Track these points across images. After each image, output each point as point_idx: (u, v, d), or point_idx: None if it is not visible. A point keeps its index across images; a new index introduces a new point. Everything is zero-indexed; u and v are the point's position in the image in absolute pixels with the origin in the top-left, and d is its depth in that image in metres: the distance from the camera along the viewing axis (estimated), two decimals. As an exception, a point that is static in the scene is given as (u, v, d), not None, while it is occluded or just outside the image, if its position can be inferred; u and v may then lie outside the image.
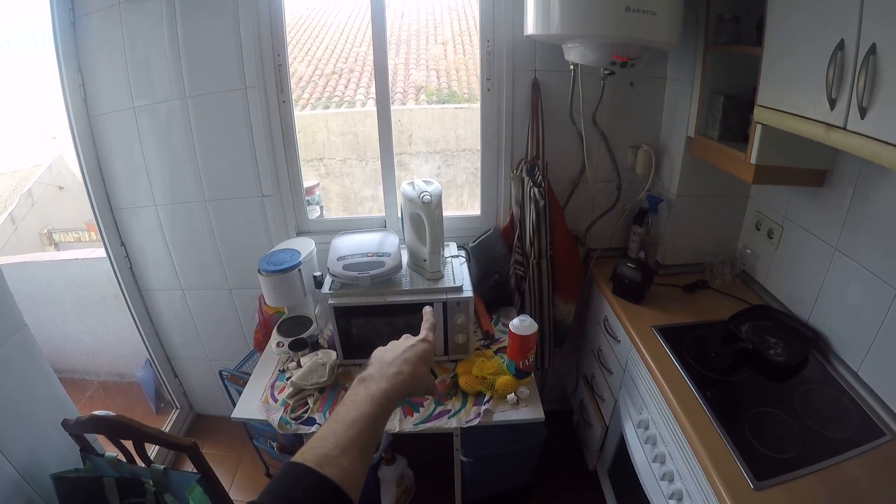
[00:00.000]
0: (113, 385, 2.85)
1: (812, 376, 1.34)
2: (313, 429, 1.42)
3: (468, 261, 1.76)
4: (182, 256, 2.05)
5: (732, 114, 1.44)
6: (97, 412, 1.38)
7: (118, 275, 2.08)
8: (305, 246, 1.78)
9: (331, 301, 1.52)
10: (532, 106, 1.72)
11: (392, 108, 1.85)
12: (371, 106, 2.85)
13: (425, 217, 1.50)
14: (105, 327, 2.76)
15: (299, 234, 1.96)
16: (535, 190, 1.67)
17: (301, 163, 1.90)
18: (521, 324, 1.46)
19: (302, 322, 1.75)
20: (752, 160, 1.27)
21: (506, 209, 1.90)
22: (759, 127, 1.23)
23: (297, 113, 1.86)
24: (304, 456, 0.51)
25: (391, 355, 0.68)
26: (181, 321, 2.22)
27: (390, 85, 1.81)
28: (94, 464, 1.43)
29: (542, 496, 2.03)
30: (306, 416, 1.45)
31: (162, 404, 2.53)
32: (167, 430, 2.21)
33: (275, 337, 1.69)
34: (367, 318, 1.56)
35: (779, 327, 1.48)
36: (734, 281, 1.77)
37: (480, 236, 1.89)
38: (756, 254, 1.72)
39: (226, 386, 2.00)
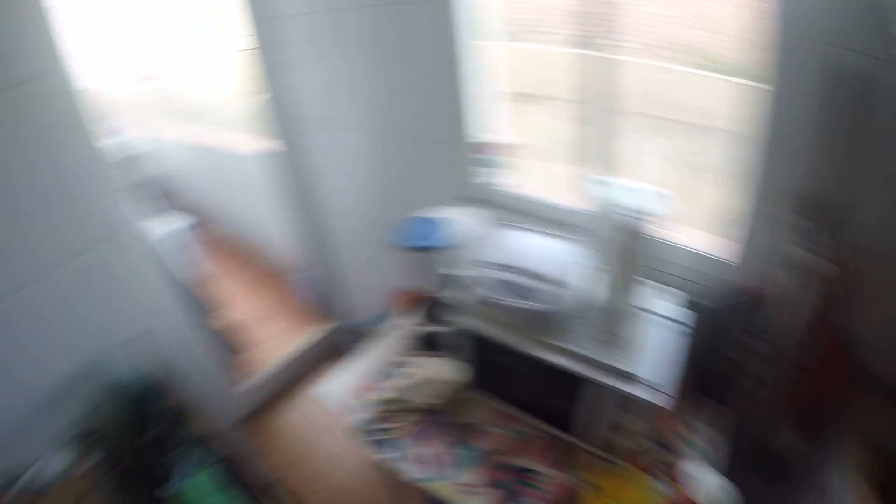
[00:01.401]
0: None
1: None
2: (388, 455, 1.17)
3: (687, 332, 1.13)
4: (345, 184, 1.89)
5: None
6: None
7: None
8: (464, 218, 1.36)
9: (467, 321, 1.16)
10: (848, 111, 0.92)
11: (629, 60, 1.25)
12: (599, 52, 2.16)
13: (618, 243, 0.97)
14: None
15: (460, 200, 1.54)
16: (815, 256, 0.95)
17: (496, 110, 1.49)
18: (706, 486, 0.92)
19: (437, 305, 1.41)
20: None
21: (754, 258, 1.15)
22: None
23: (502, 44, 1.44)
24: None
25: None
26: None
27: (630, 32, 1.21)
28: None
29: None
30: (386, 436, 1.20)
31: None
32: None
33: (409, 318, 1.41)
34: (508, 357, 1.15)
35: None
36: None
37: (724, 298, 1.17)
38: None
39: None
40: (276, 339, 2.58)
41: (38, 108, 1.26)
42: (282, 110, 1.93)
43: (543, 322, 1.07)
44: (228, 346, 2.36)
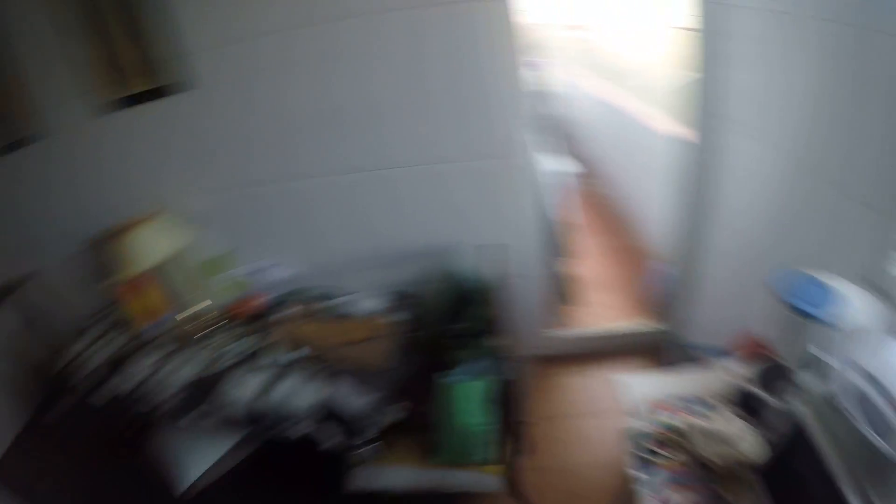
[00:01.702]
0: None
1: None
2: (642, 477, 1.18)
3: None
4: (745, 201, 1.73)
5: None
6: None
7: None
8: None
9: (799, 408, 1.02)
10: None
11: None
12: None
13: None
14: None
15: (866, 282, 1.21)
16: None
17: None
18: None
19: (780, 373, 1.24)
20: None
21: None
22: None
23: None
24: None
25: None
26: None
27: None
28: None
29: None
30: (652, 459, 1.19)
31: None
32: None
33: (744, 367, 1.31)
34: (816, 475, 0.96)
35: None
36: None
37: None
38: None
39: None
40: (605, 310, 2.68)
41: (478, 24, 1.52)
42: (706, 101, 1.86)
43: (880, 467, 0.88)
44: (561, 292, 2.58)
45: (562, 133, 3.53)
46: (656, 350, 2.40)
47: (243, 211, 1.93)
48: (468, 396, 1.55)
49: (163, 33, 1.65)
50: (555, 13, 3.83)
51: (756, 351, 1.37)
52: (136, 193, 2.00)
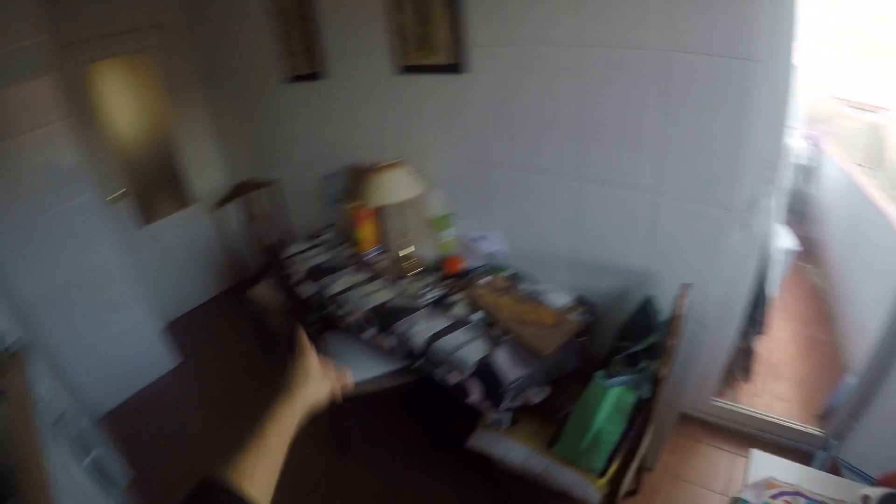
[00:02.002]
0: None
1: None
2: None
3: None
4: None
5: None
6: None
7: None
8: None
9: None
10: None
11: None
12: None
13: None
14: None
15: None
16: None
17: None
18: None
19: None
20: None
21: None
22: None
23: None
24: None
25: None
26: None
27: None
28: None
29: None
30: None
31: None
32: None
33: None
34: None
35: None
36: None
37: None
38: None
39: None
40: (773, 399, 2.56)
41: (750, 82, 1.48)
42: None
43: None
44: (741, 364, 2.52)
45: (799, 208, 3.31)
46: (806, 454, 2.25)
47: (474, 184, 2.22)
48: (616, 403, 1.63)
49: (450, 21, 1.97)
50: (851, 91, 3.48)
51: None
52: (389, 142, 2.43)
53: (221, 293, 4.44)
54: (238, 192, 3.06)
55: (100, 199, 2.87)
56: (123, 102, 3.49)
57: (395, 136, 2.43)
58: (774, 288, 2.37)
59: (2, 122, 2.41)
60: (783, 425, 2.36)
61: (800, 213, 3.45)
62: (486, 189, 2.18)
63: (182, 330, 3.92)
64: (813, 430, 2.30)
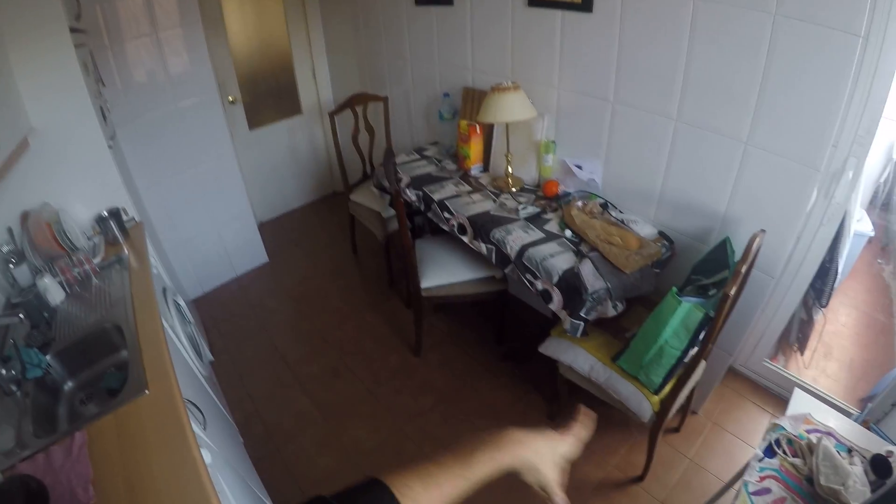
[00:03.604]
0: None
1: None
2: (760, 457, 1.39)
3: None
4: None
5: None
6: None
7: None
8: None
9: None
10: None
11: None
12: None
13: None
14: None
15: None
16: None
17: None
18: None
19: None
20: None
21: None
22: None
23: None
24: None
25: None
26: None
27: None
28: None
29: None
30: (777, 450, 1.39)
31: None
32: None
33: None
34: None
35: None
36: None
37: None
38: None
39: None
40: (821, 375, 2.71)
41: (855, 56, 1.57)
42: None
43: None
44: (798, 333, 2.68)
45: (885, 200, 3.35)
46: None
47: (581, 116, 2.40)
48: (685, 319, 1.79)
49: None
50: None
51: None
52: (508, 69, 2.64)
53: (315, 201, 4.82)
54: (352, 102, 3.32)
55: (218, 99, 3.18)
56: (246, 13, 3.79)
57: (514, 63, 2.62)
58: (844, 266, 2.49)
59: (139, 18, 2.72)
60: (826, 400, 2.50)
61: (885, 206, 3.49)
62: (591, 121, 2.35)
63: (274, 232, 4.30)
64: (853, 410, 2.43)
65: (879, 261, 3.47)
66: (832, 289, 2.54)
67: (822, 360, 2.79)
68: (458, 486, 0.64)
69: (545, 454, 0.72)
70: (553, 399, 2.50)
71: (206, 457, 1.29)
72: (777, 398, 2.59)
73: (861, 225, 2.70)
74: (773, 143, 1.85)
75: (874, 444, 1.43)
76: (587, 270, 2.00)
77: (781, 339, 2.60)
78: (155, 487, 1.17)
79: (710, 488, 2.14)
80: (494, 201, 2.50)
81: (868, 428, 1.88)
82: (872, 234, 2.85)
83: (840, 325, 3.05)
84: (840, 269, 2.46)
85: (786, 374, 2.57)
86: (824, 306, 2.61)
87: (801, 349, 2.74)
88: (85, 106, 2.20)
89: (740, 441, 2.38)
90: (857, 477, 1.27)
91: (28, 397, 1.48)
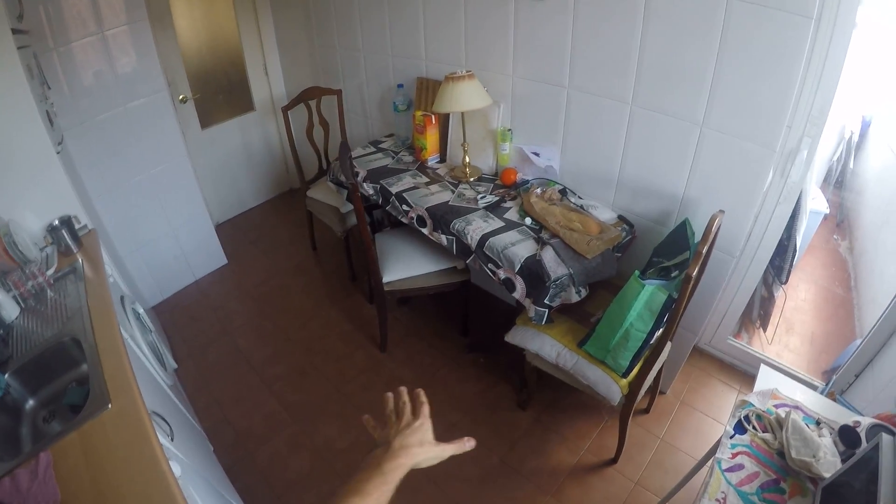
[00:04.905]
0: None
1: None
2: (731, 434, 1.42)
3: None
4: None
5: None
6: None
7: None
8: None
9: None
10: None
11: None
12: None
13: None
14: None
15: None
16: None
17: None
18: None
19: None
20: None
21: None
22: None
23: None
24: None
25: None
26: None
27: None
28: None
29: None
30: (746, 426, 1.42)
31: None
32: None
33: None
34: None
35: None
36: None
37: None
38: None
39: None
40: (784, 350, 2.78)
41: (807, 38, 1.59)
42: None
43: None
44: (760, 310, 2.73)
45: (839, 179, 3.46)
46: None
47: (537, 102, 2.38)
48: (648, 301, 1.80)
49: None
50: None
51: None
52: (461, 57, 2.62)
53: (272, 199, 4.73)
54: (305, 96, 3.26)
55: (167, 99, 3.08)
56: (194, 7, 3.67)
57: (468, 51, 2.59)
58: (801, 243, 2.55)
59: (85, 17, 2.60)
60: (791, 374, 2.56)
61: (838, 183, 3.60)
62: (547, 108, 2.35)
63: (232, 232, 4.21)
64: (818, 383, 2.49)
65: (835, 237, 3.59)
66: (791, 266, 2.60)
67: (785, 335, 2.87)
68: None
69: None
70: (522, 387, 2.49)
71: (176, 469, 1.25)
72: (743, 374, 2.64)
73: (816, 203, 2.77)
74: (729, 124, 1.87)
75: (841, 415, 1.46)
76: (549, 257, 1.99)
77: (744, 316, 2.66)
78: (125, 505, 1.14)
79: (683, 466, 2.17)
80: (453, 192, 2.48)
81: (834, 399, 1.94)
82: (828, 211, 2.93)
83: (800, 300, 3.14)
84: (798, 246, 2.52)
85: (750, 351, 2.62)
86: (784, 283, 2.67)
87: (764, 326, 2.80)
88: (30, 111, 2.10)
89: (709, 418, 2.43)
90: (826, 448, 1.30)
91: (-12, 420, 1.41)
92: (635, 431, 2.34)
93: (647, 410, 2.45)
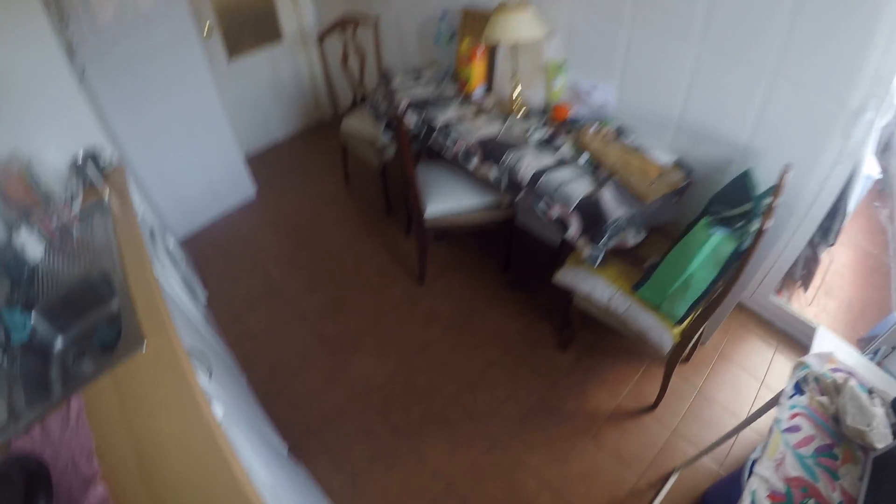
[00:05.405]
0: None
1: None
2: (790, 394, 1.37)
3: None
4: None
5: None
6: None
7: None
8: None
9: None
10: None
11: None
12: None
13: None
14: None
15: None
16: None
17: None
18: None
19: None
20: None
21: None
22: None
23: None
24: None
25: None
26: None
27: None
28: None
29: None
30: (805, 388, 1.38)
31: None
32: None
33: None
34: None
35: None
36: None
37: None
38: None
39: None
40: (823, 313, 2.73)
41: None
42: None
43: None
44: (804, 270, 2.67)
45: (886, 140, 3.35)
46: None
47: (595, 36, 2.26)
48: (714, 250, 1.75)
49: None
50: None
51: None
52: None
53: (302, 131, 4.62)
54: (340, 23, 3.11)
55: (192, 29, 2.94)
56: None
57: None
58: (852, 206, 2.47)
59: None
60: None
61: (884, 150, 3.49)
62: (606, 42, 2.22)
63: (261, 165, 4.12)
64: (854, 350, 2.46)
65: (877, 204, 3.49)
66: (839, 228, 2.52)
67: (824, 297, 2.81)
68: None
69: None
70: (563, 328, 2.45)
71: (218, 411, 1.21)
72: (780, 332, 2.61)
73: (871, 168, 2.68)
74: (800, 75, 1.77)
75: (890, 387, 1.43)
76: (607, 197, 1.92)
77: (787, 275, 2.60)
78: (165, 453, 1.09)
79: (718, 419, 2.17)
80: (501, 125, 2.38)
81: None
82: (881, 176, 2.83)
83: (840, 264, 3.07)
84: (849, 210, 2.44)
85: (789, 311, 2.58)
86: (831, 245, 2.60)
87: (805, 286, 2.75)
88: (49, 43, 2.02)
89: (746, 373, 2.41)
90: (880, 419, 1.27)
91: (16, 363, 1.37)
92: (674, 380, 2.31)
93: (687, 359, 2.43)
